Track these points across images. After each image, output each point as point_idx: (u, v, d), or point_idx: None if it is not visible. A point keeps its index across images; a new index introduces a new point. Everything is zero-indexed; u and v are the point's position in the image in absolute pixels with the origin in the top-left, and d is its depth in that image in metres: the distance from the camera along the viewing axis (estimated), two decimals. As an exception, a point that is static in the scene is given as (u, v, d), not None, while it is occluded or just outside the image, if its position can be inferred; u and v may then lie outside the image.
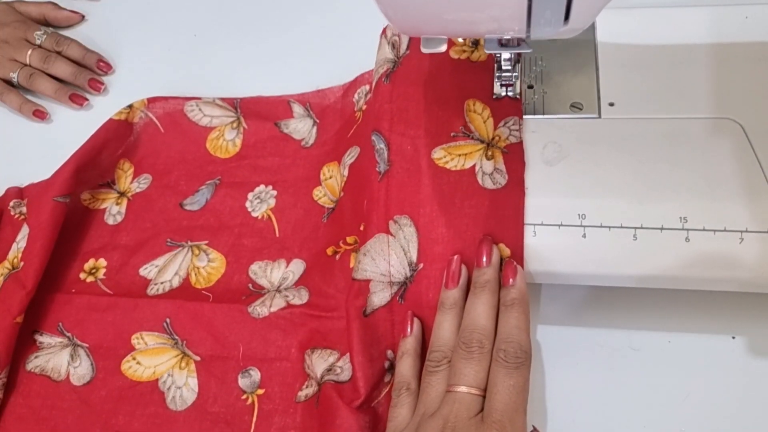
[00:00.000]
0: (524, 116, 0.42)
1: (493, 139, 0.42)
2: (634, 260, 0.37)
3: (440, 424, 0.34)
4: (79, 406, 0.45)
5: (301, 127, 0.54)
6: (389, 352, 0.40)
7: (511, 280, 0.38)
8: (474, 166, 0.41)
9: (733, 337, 0.42)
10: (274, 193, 0.52)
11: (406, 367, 0.39)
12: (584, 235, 0.38)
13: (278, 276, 0.48)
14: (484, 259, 0.38)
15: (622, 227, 0.37)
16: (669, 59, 0.43)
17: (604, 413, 0.40)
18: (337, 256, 0.46)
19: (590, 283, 0.40)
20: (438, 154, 0.42)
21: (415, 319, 0.40)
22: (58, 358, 0.47)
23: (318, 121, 0.54)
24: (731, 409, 0.39)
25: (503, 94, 0.43)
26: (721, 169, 0.38)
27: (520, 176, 0.40)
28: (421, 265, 0.40)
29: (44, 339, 0.48)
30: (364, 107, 0.50)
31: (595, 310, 0.43)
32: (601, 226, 0.38)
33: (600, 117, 0.42)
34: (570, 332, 0.43)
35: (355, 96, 0.53)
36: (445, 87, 0.44)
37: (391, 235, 0.40)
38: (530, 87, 0.44)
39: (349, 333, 0.40)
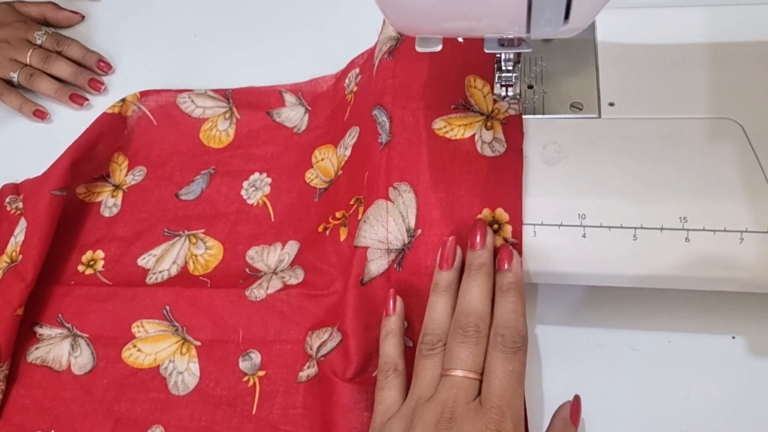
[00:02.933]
0: (524, 116, 0.42)
1: (492, 111, 0.42)
2: (634, 260, 0.37)
3: (438, 410, 0.34)
4: (81, 395, 0.45)
5: (293, 116, 0.55)
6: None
7: (506, 264, 0.37)
8: (473, 135, 0.41)
9: (733, 337, 0.42)
10: (269, 180, 0.52)
11: (391, 347, 0.38)
12: (584, 235, 0.38)
13: (274, 259, 0.48)
14: (478, 240, 0.38)
15: (622, 227, 0.37)
16: (669, 59, 0.43)
17: (604, 413, 0.40)
18: (327, 232, 0.46)
19: (590, 283, 0.40)
20: (438, 124, 0.42)
21: (398, 298, 0.40)
22: (58, 349, 0.47)
23: (310, 108, 0.55)
24: (731, 409, 0.39)
25: (503, 94, 0.43)
26: (721, 169, 0.38)
27: (519, 145, 0.40)
28: (419, 231, 0.40)
29: (44, 331, 0.48)
30: (355, 89, 0.51)
31: (595, 310, 0.43)
32: (601, 226, 0.38)
33: (600, 117, 0.42)
34: (570, 332, 0.43)
35: (346, 81, 0.54)
36: (446, 63, 0.45)
37: (390, 201, 0.41)
38: (530, 87, 0.44)
39: (344, 302, 0.40)
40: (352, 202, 0.45)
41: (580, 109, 0.42)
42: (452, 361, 0.35)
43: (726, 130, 0.40)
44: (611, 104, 0.42)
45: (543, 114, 0.42)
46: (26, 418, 0.45)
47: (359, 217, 0.43)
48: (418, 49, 0.34)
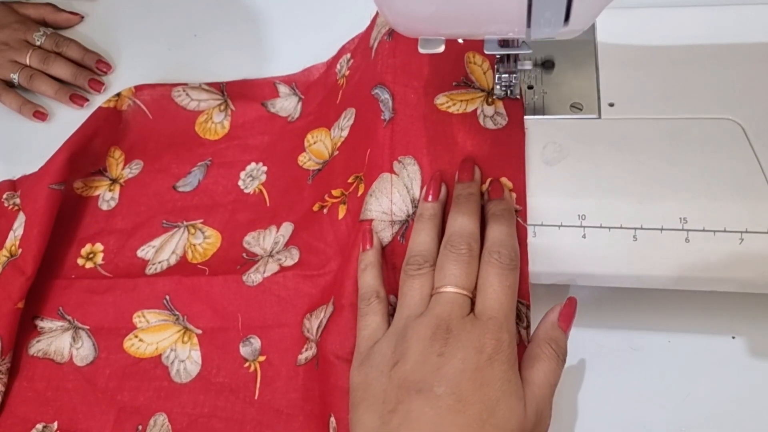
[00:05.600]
0: (524, 116, 0.42)
1: (492, 88, 0.43)
2: (634, 260, 0.37)
3: (433, 323, 0.33)
4: (83, 385, 0.46)
5: (287, 105, 0.56)
6: (391, 297, 0.40)
7: (497, 195, 0.38)
8: (475, 110, 0.42)
9: (733, 337, 0.42)
10: (265, 169, 0.53)
11: (370, 276, 0.38)
12: (584, 236, 0.38)
13: (270, 242, 0.48)
14: (467, 174, 0.39)
15: (622, 227, 0.37)
16: (669, 59, 0.43)
17: (604, 413, 0.40)
18: (325, 210, 0.46)
19: (590, 284, 0.40)
20: (440, 99, 0.43)
21: (375, 234, 0.40)
22: (60, 341, 0.47)
23: (303, 96, 0.55)
24: (731, 409, 0.39)
25: (503, 94, 0.43)
26: (721, 169, 0.38)
27: (520, 118, 0.41)
28: None
29: (45, 324, 0.48)
30: (347, 73, 0.51)
31: (595, 310, 0.43)
32: (601, 227, 0.38)
33: (600, 117, 0.42)
34: (570, 332, 0.43)
35: (337, 66, 0.54)
36: (446, 41, 0.45)
37: (395, 174, 0.41)
38: (530, 87, 0.44)
39: (345, 275, 0.41)
40: (351, 180, 0.45)
41: (580, 110, 0.42)
42: (444, 278, 0.35)
43: (726, 130, 0.40)
44: (611, 104, 0.42)
45: (543, 114, 0.42)
46: (29, 409, 0.45)
47: (359, 194, 0.43)
48: (421, 50, 0.35)
